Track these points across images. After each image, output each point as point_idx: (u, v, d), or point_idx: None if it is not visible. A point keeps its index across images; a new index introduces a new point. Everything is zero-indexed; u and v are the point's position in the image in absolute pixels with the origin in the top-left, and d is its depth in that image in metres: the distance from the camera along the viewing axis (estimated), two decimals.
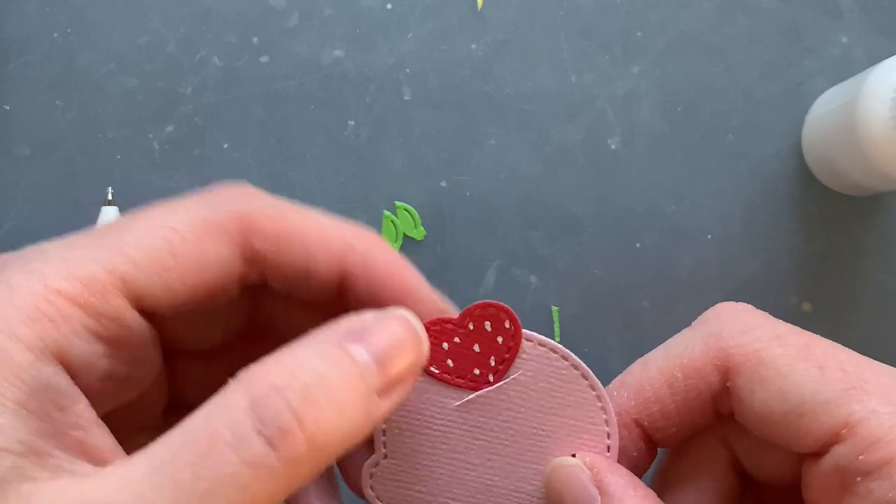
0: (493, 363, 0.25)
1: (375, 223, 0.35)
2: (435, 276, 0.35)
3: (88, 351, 0.19)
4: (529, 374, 0.25)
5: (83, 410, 0.19)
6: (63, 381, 0.18)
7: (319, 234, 0.22)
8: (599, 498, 0.24)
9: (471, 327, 0.25)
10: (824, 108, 0.34)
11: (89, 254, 0.19)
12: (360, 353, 0.19)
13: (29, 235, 0.35)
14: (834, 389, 0.22)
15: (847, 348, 0.23)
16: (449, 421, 0.25)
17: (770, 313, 0.30)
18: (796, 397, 0.22)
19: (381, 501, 0.25)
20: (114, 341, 0.19)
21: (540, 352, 0.25)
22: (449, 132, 0.36)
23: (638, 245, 0.35)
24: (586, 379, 0.25)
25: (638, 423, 0.25)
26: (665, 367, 0.24)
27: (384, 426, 0.25)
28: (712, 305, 0.27)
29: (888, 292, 0.35)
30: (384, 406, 0.20)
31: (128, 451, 0.18)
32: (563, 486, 0.25)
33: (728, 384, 0.24)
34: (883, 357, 0.24)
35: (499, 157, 0.35)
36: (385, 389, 0.20)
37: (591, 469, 0.24)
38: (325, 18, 0.36)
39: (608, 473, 0.24)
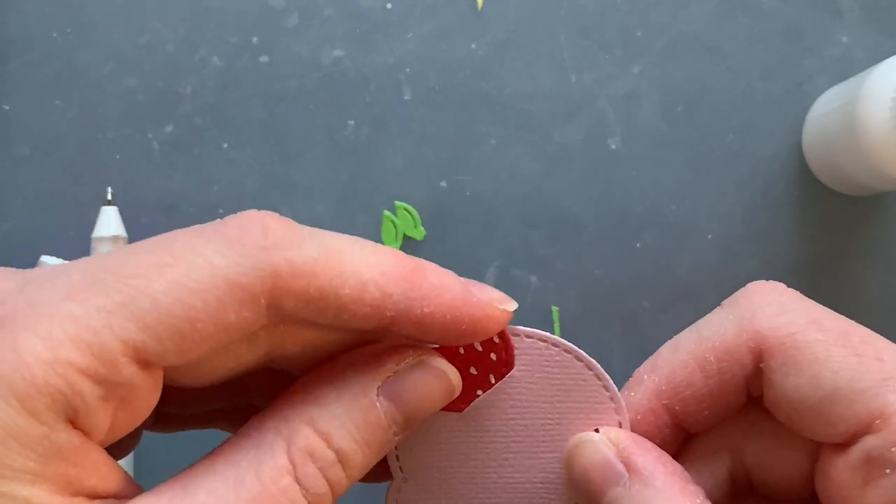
0: (492, 380, 0.25)
1: (375, 223, 0.35)
2: None
3: (98, 412, 0.19)
4: (524, 367, 0.25)
5: (96, 459, 0.19)
6: (76, 441, 0.19)
7: (356, 289, 0.20)
8: (627, 475, 0.23)
9: (461, 351, 0.24)
10: (824, 108, 0.34)
11: (101, 317, 0.18)
12: (392, 411, 0.21)
13: (29, 235, 0.35)
14: (871, 378, 0.21)
15: (884, 337, 0.22)
16: (458, 431, 0.25)
17: None
18: (831, 384, 0.22)
19: None
20: (122, 400, 0.19)
21: (528, 343, 0.25)
22: (449, 132, 0.36)
23: (638, 245, 0.35)
24: (580, 360, 0.25)
25: (668, 409, 0.24)
26: (697, 351, 0.24)
27: (396, 451, 0.25)
28: (712, 305, 0.26)
29: (888, 292, 0.35)
30: (398, 440, 0.21)
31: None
32: (587, 463, 0.24)
33: (761, 366, 0.23)
34: None
35: (499, 157, 0.35)
36: (404, 430, 0.21)
37: (616, 445, 0.24)
38: (325, 18, 0.36)
39: (635, 448, 0.23)
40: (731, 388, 0.24)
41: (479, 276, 0.35)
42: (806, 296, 0.24)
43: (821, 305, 0.23)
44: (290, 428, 0.20)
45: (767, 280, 0.25)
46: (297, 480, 0.19)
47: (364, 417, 0.20)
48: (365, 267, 0.21)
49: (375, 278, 0.20)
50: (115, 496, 0.19)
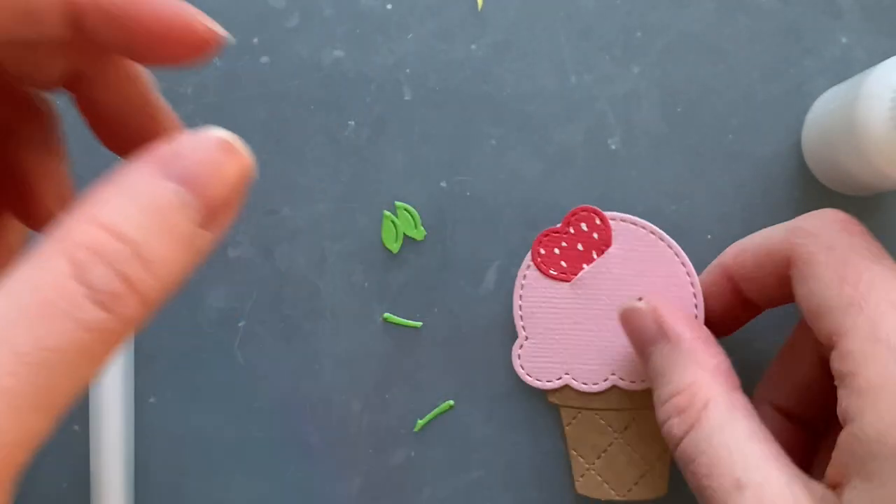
0: (595, 256, 0.32)
1: (375, 223, 0.35)
2: (435, 276, 0.35)
3: None
4: (619, 246, 0.32)
5: None
6: None
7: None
8: (659, 336, 0.29)
9: (571, 231, 0.32)
10: (824, 108, 0.34)
11: None
12: (179, 191, 0.18)
13: (30, 235, 0.35)
14: (840, 303, 0.26)
15: (888, 266, 0.27)
16: (568, 299, 0.32)
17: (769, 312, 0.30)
18: (817, 299, 0.27)
19: (530, 376, 0.32)
20: None
21: (622, 226, 0.33)
22: (449, 132, 0.36)
23: None
24: (663, 241, 0.33)
25: (730, 282, 0.31)
26: (752, 246, 0.30)
27: (521, 312, 0.32)
28: None
29: None
30: (210, 236, 0.19)
31: None
32: (631, 326, 0.30)
33: (790, 272, 0.28)
34: None
35: (499, 157, 0.35)
36: (209, 219, 0.19)
37: (652, 312, 0.30)
38: (326, 19, 0.36)
39: (668, 316, 0.29)
40: (772, 280, 0.29)
41: (479, 275, 0.35)
42: None
43: (863, 242, 0.28)
44: (68, 230, 0.17)
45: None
46: (83, 283, 0.17)
47: (151, 203, 0.18)
48: None
49: None
50: None
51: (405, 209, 0.35)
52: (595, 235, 0.32)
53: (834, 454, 0.25)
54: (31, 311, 0.16)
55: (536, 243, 0.32)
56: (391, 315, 0.35)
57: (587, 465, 0.33)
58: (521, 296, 0.33)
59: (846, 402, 0.25)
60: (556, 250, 0.32)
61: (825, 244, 0.27)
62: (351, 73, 0.36)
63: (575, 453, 0.33)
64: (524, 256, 0.35)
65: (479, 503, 0.35)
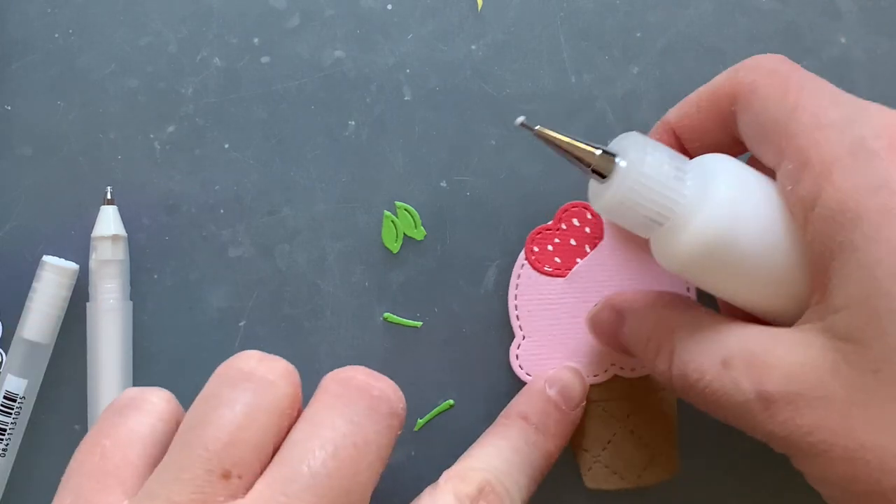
0: (588, 250, 0.32)
1: (375, 223, 0.35)
2: (435, 275, 0.35)
3: None
4: (611, 238, 0.32)
5: None
6: None
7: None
8: (618, 321, 0.30)
9: (563, 227, 0.32)
10: None
11: None
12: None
13: (31, 235, 0.35)
14: (783, 109, 0.26)
15: (852, 98, 0.27)
16: (563, 294, 0.32)
17: None
18: (761, 117, 0.27)
19: (529, 375, 0.32)
20: None
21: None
22: (449, 132, 0.36)
23: None
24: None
25: (676, 137, 0.31)
26: (698, 91, 0.30)
27: (517, 312, 0.32)
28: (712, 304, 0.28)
29: None
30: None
31: None
32: (599, 333, 0.32)
33: (733, 108, 0.28)
34: None
35: (499, 157, 0.36)
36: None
37: (609, 302, 0.31)
38: (326, 19, 0.36)
39: (624, 298, 0.31)
40: (716, 122, 0.29)
41: (479, 275, 0.35)
42: None
43: (804, 71, 0.28)
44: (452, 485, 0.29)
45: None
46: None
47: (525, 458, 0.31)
48: None
49: None
50: None
51: (405, 209, 0.35)
52: (587, 229, 0.32)
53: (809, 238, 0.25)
54: None
55: (529, 241, 0.33)
56: (391, 315, 0.35)
57: (594, 458, 0.32)
58: (516, 295, 0.33)
59: (803, 190, 0.25)
60: (550, 247, 0.32)
61: (767, 71, 0.28)
62: (351, 74, 0.36)
63: (580, 448, 0.33)
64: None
65: None
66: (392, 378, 0.30)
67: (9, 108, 0.36)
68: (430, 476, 0.35)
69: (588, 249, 0.32)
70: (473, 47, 0.36)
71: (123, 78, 0.36)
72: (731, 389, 0.25)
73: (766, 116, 0.27)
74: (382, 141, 0.36)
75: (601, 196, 0.27)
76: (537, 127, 0.27)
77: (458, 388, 0.35)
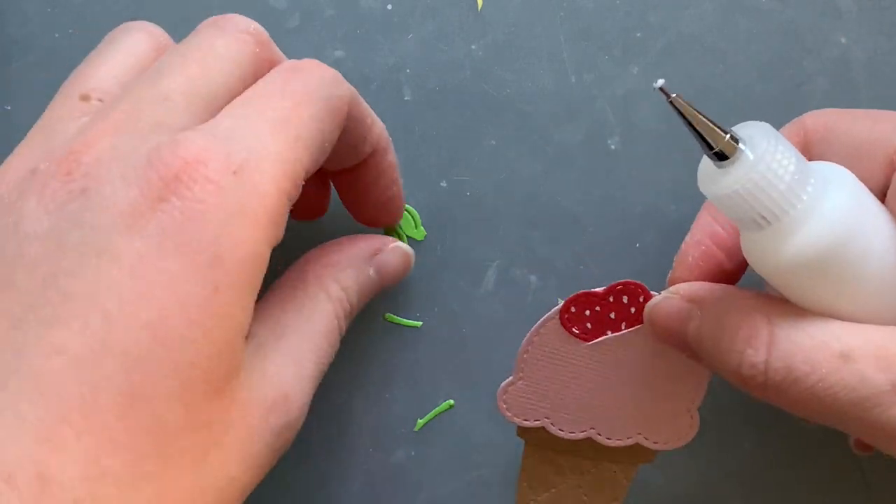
0: (623, 327, 0.31)
1: None
2: (435, 275, 0.36)
3: (282, 224, 0.27)
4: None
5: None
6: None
7: (371, 117, 0.31)
8: (697, 310, 0.28)
9: (611, 300, 0.31)
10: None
11: (293, 153, 0.26)
12: (375, 280, 0.33)
13: None
14: (882, 133, 0.28)
15: None
16: (578, 356, 0.31)
17: None
18: (857, 141, 0.28)
19: (509, 412, 0.32)
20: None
21: None
22: (449, 132, 0.36)
23: (638, 245, 0.35)
24: None
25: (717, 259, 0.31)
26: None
27: (527, 356, 0.31)
28: None
29: None
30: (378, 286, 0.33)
31: None
32: (665, 315, 0.29)
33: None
34: None
35: (499, 157, 0.36)
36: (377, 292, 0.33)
37: (677, 292, 0.29)
38: (326, 19, 0.36)
39: (695, 287, 0.29)
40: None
41: (479, 275, 0.35)
42: None
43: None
44: (328, 286, 0.30)
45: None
46: (337, 317, 0.30)
47: (365, 282, 0.32)
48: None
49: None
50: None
51: (405, 209, 0.35)
52: (632, 310, 0.31)
53: None
54: (322, 331, 0.30)
55: (570, 301, 0.31)
56: (391, 315, 0.35)
57: (531, 498, 0.33)
58: (533, 342, 0.31)
59: None
60: (587, 312, 0.31)
61: (836, 113, 0.28)
62: (351, 74, 0.36)
63: (524, 484, 0.33)
64: (524, 256, 0.35)
65: (479, 503, 0.35)
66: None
67: (8, 108, 0.36)
68: (431, 476, 0.35)
69: (624, 327, 0.31)
70: (473, 47, 0.36)
71: None
72: (855, 383, 0.25)
73: (857, 136, 0.28)
74: None
75: (716, 181, 0.26)
76: (675, 95, 0.26)
77: (458, 388, 0.35)
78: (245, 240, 0.24)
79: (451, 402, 0.35)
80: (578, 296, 0.31)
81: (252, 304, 0.25)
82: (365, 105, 0.30)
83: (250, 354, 0.26)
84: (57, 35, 0.36)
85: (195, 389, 0.23)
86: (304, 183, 0.26)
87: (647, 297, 0.30)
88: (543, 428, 0.32)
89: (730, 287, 0.29)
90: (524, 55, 0.36)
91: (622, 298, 0.30)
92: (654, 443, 0.32)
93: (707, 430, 0.34)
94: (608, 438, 0.32)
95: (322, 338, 0.29)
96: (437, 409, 0.35)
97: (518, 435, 0.32)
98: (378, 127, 0.31)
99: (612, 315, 0.31)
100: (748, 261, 0.27)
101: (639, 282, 0.30)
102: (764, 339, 0.26)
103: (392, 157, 0.32)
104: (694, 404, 0.32)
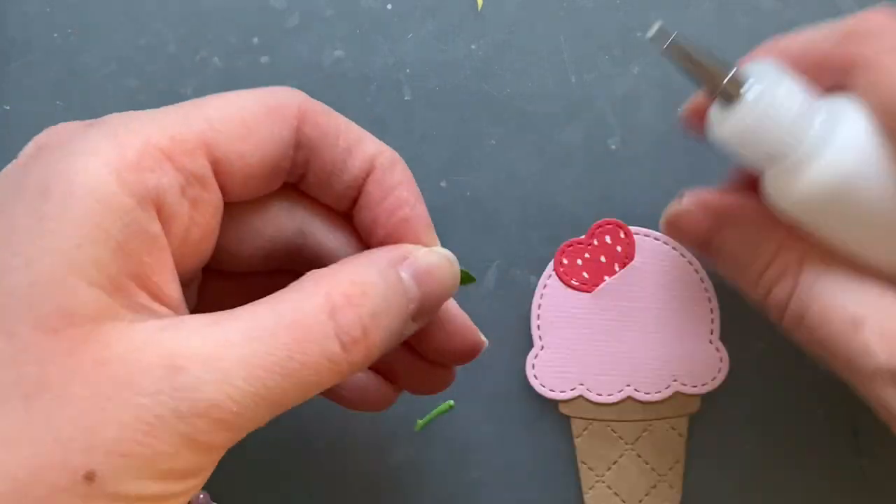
0: (616, 269, 0.32)
1: None
2: None
3: (177, 206, 0.21)
4: (641, 259, 0.32)
5: (167, 260, 0.21)
6: (157, 229, 0.21)
7: (357, 134, 0.26)
8: (719, 225, 0.28)
9: (595, 243, 0.32)
10: None
11: (178, 119, 0.22)
12: (409, 280, 0.23)
13: None
14: None
15: None
16: (587, 310, 0.32)
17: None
18: (889, 101, 0.25)
19: (543, 386, 0.32)
20: (194, 202, 0.22)
21: (646, 241, 0.33)
22: (449, 132, 0.36)
23: None
24: (684, 257, 0.32)
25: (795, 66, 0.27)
26: (804, 53, 0.28)
27: (539, 322, 0.32)
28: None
29: None
30: (412, 329, 0.24)
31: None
32: (681, 233, 0.29)
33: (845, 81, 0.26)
34: None
35: (499, 157, 0.35)
36: (418, 316, 0.24)
37: (698, 207, 0.29)
38: (326, 19, 0.36)
39: (716, 203, 0.29)
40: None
41: (479, 275, 0.35)
42: None
43: None
44: (330, 278, 0.22)
45: None
46: (334, 319, 0.21)
47: (392, 285, 0.23)
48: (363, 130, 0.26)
49: (370, 136, 0.26)
50: (169, 307, 0.21)
51: None
52: (618, 248, 0.32)
53: None
54: (291, 329, 0.20)
55: (559, 253, 0.32)
56: None
57: (597, 478, 0.32)
58: (539, 305, 0.32)
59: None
60: (579, 261, 0.32)
61: (888, 46, 0.25)
62: (351, 73, 0.36)
63: (584, 465, 0.33)
64: (524, 256, 0.35)
65: (479, 503, 0.35)
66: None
67: (8, 108, 0.36)
68: (431, 476, 0.35)
69: (618, 268, 0.32)
70: (473, 47, 0.36)
71: (123, 78, 0.36)
72: (859, 352, 0.25)
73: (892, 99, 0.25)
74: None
75: (724, 121, 0.25)
76: (673, 37, 0.26)
77: (459, 388, 0.35)
78: (80, 172, 0.20)
79: (451, 402, 0.35)
80: (565, 246, 0.32)
81: (103, 248, 0.20)
82: (342, 119, 0.26)
83: (175, 325, 0.20)
84: (57, 35, 0.36)
85: (16, 318, 0.19)
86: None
87: (627, 233, 0.32)
88: (581, 397, 0.32)
89: (763, 209, 0.27)
90: (524, 55, 0.36)
91: (605, 239, 0.32)
92: (693, 386, 0.32)
93: (707, 430, 0.34)
94: (647, 393, 0.32)
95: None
96: (437, 410, 0.35)
97: (560, 412, 0.33)
98: (370, 145, 0.26)
99: (603, 259, 0.32)
100: (766, 203, 0.27)
101: (615, 219, 0.32)
102: (790, 281, 0.27)
103: (401, 175, 0.27)
104: (713, 333, 0.32)
